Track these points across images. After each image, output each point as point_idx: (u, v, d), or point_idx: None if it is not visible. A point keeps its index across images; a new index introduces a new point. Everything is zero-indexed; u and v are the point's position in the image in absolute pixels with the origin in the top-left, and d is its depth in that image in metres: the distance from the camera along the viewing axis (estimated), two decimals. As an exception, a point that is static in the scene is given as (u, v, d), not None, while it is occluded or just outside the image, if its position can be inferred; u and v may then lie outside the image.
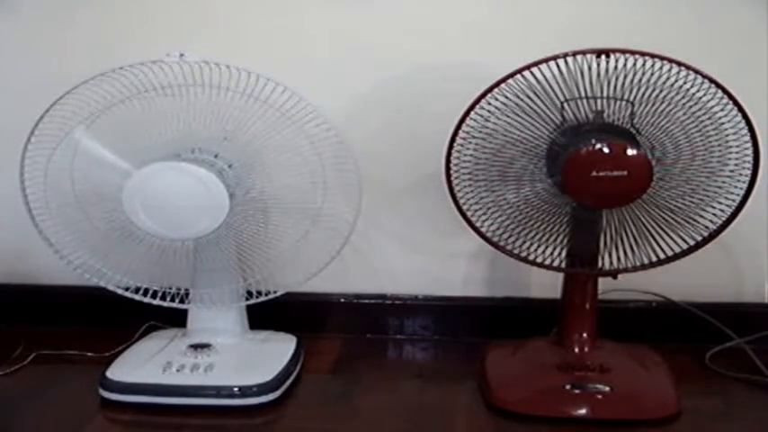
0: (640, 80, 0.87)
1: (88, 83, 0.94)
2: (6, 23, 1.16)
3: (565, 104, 0.89)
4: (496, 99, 0.89)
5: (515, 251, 0.97)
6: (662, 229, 0.94)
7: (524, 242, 0.96)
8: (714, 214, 0.93)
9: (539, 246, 0.96)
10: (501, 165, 0.93)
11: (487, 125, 0.91)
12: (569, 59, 0.86)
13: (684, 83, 0.87)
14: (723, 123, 0.89)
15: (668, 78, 0.86)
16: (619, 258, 0.96)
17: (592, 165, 0.86)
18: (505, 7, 1.10)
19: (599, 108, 0.90)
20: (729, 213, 0.92)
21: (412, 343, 1.21)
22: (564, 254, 0.97)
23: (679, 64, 0.85)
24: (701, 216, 0.93)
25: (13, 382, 1.06)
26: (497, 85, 0.88)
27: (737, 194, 0.91)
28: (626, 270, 0.97)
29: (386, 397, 1.02)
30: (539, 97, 0.88)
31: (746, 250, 1.15)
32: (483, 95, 0.89)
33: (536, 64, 0.86)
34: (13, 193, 0.99)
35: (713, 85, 0.86)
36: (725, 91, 0.86)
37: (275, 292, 1.04)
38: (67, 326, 1.21)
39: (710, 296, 1.16)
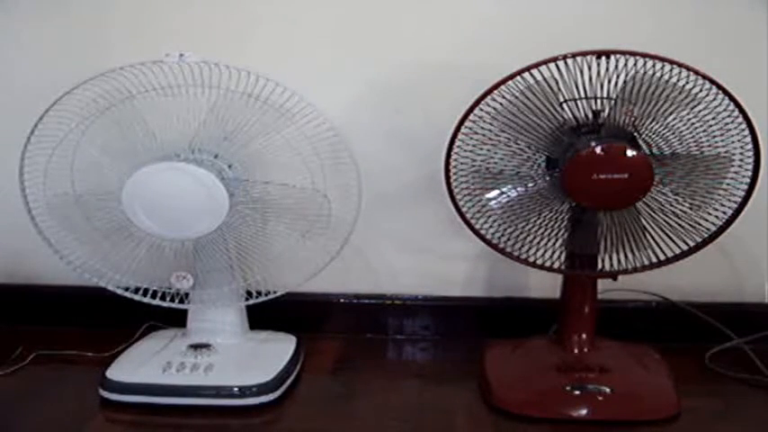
0: (641, 81, 0.86)
1: (88, 83, 0.94)
2: (5, 24, 1.15)
3: (565, 105, 0.89)
4: (496, 100, 0.89)
5: (515, 253, 0.97)
6: (662, 230, 0.94)
7: (523, 244, 0.96)
8: (716, 216, 0.93)
9: (538, 248, 0.96)
10: (501, 165, 0.93)
11: (487, 126, 0.91)
12: (569, 60, 0.86)
13: (686, 83, 0.86)
14: (726, 124, 0.88)
15: (669, 79, 0.86)
16: (619, 260, 0.96)
17: (592, 167, 0.87)
18: (506, 8, 1.10)
19: (599, 108, 0.90)
20: (730, 215, 0.92)
21: (412, 343, 1.21)
22: (564, 255, 0.97)
23: (679, 65, 0.85)
24: (702, 217, 0.93)
25: (13, 382, 1.06)
26: (498, 86, 0.88)
27: (739, 196, 0.91)
28: (626, 272, 0.97)
29: (386, 397, 1.02)
30: (539, 98, 0.88)
31: (746, 251, 1.15)
32: (483, 96, 0.88)
33: (536, 65, 0.86)
34: (12, 193, 0.99)
35: (714, 86, 0.86)
36: (725, 92, 0.86)
37: (275, 292, 1.04)
38: (67, 326, 1.21)
39: (710, 296, 1.16)
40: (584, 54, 0.85)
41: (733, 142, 0.89)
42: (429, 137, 1.09)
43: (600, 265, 0.97)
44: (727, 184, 0.91)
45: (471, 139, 0.92)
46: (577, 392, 0.95)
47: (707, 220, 0.93)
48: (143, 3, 1.13)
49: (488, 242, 0.97)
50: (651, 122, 0.89)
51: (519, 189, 0.93)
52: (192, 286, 1.02)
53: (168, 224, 0.96)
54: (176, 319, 1.08)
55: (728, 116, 0.88)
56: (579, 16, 1.08)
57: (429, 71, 1.11)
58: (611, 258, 0.96)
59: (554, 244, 0.96)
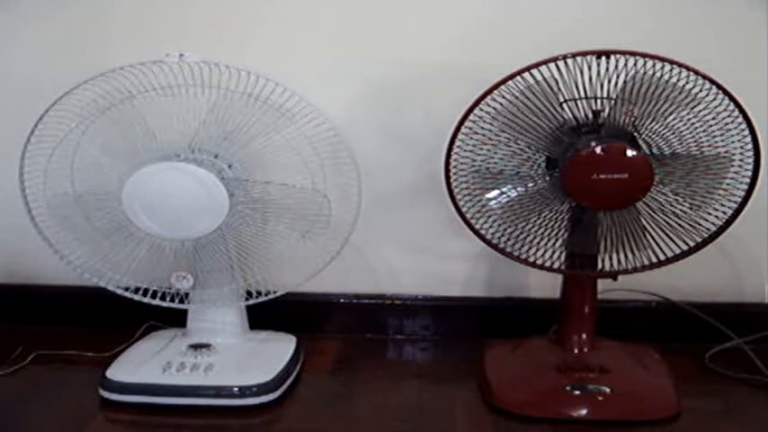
0: (641, 81, 0.86)
1: (88, 83, 0.94)
2: (6, 23, 1.15)
3: (565, 105, 0.89)
4: (496, 100, 0.89)
5: (515, 253, 0.97)
6: (662, 230, 0.94)
7: (523, 244, 0.96)
8: (716, 216, 0.93)
9: (538, 248, 0.96)
10: (501, 165, 0.93)
11: (487, 126, 0.91)
12: (569, 60, 0.86)
13: (686, 83, 0.86)
14: (726, 124, 0.88)
15: (669, 79, 0.86)
16: (619, 260, 0.96)
17: (592, 167, 0.87)
18: (506, 8, 1.10)
19: (599, 108, 0.90)
20: (730, 215, 0.92)
21: (412, 343, 1.21)
22: (564, 255, 0.97)
23: (679, 65, 0.85)
24: (702, 217, 0.93)
25: (13, 382, 1.06)
26: (498, 86, 0.88)
27: (739, 196, 0.91)
28: (626, 272, 0.97)
29: (386, 397, 1.02)
30: (539, 98, 0.88)
31: (746, 251, 1.15)
32: (483, 96, 0.88)
33: (536, 65, 0.86)
34: (12, 193, 0.99)
35: (714, 86, 0.86)
36: (725, 92, 0.86)
37: (275, 292, 1.04)
38: (67, 326, 1.21)
39: (710, 296, 1.16)
40: (584, 54, 0.85)
41: (733, 142, 0.89)
42: (429, 137, 1.09)
43: (600, 265, 0.97)
44: (727, 184, 0.91)
45: (471, 139, 0.92)
46: (577, 392, 0.95)
47: (707, 220, 0.93)
48: (143, 3, 1.13)
49: (488, 242, 0.97)
50: (651, 122, 0.89)
51: (519, 189, 0.93)
52: (192, 286, 1.02)
53: (168, 224, 0.96)
54: (176, 319, 1.08)
55: (728, 116, 0.88)
56: (579, 16, 1.08)
57: (429, 71, 1.11)
58: (611, 258, 0.96)
59: (554, 244, 0.96)
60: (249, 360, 1.03)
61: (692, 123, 0.89)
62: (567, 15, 1.08)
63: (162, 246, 1.00)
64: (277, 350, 1.07)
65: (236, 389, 0.98)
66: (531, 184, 0.93)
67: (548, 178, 0.92)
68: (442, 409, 0.99)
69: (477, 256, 1.19)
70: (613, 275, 0.97)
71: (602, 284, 1.02)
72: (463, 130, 0.91)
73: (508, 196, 0.93)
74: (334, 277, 1.09)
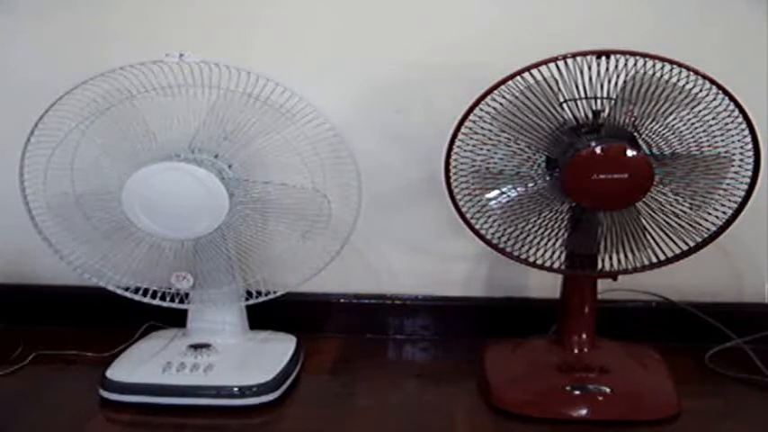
0: (641, 81, 0.86)
1: (88, 83, 0.94)
2: (6, 24, 1.15)
3: (565, 105, 0.89)
4: (496, 100, 0.89)
5: (515, 253, 0.97)
6: (662, 230, 0.94)
7: (523, 244, 0.96)
8: (716, 216, 0.93)
9: (538, 248, 0.96)
10: (501, 165, 0.93)
11: (487, 126, 0.91)
12: (569, 60, 0.86)
13: (686, 83, 0.86)
14: (726, 124, 0.88)
15: (669, 79, 0.86)
16: (619, 260, 0.96)
17: (592, 167, 0.86)
18: (506, 8, 1.10)
19: (599, 108, 0.90)
20: (730, 215, 0.92)
21: (412, 343, 1.21)
22: (564, 255, 0.97)
23: (679, 65, 0.85)
24: (702, 217, 0.93)
25: (13, 382, 1.07)
26: (497, 86, 0.88)
27: (739, 196, 0.91)
28: (626, 272, 0.97)
29: (385, 397, 1.02)
30: (539, 98, 0.88)
31: (746, 251, 1.15)
32: (483, 96, 0.88)
33: (536, 65, 0.86)
34: (12, 193, 0.99)
35: (714, 86, 0.86)
36: (725, 92, 0.86)
37: (275, 292, 1.04)
38: (67, 326, 1.21)
39: (710, 296, 1.16)
40: (584, 54, 0.85)
41: (733, 142, 0.89)
42: (429, 137, 1.09)
43: (600, 265, 0.97)
44: (727, 184, 0.91)
45: (471, 139, 0.92)
46: (577, 392, 0.95)
47: (707, 220, 0.93)
48: (143, 3, 1.13)
49: (488, 242, 0.97)
50: (651, 122, 0.89)
51: (519, 189, 0.93)
52: (191, 286, 1.02)
53: (168, 224, 0.96)
54: (176, 319, 1.08)
55: (728, 116, 0.88)
56: (579, 16, 1.08)
57: (429, 71, 1.11)
58: (611, 258, 0.96)
59: (554, 244, 0.96)
60: (249, 360, 1.03)
61: (692, 123, 0.89)
62: (567, 15, 1.08)
63: (162, 246, 1.00)
64: (277, 350, 1.07)
65: (236, 389, 0.98)
66: (531, 184, 0.93)
67: (548, 178, 0.92)
68: (442, 409, 0.99)
69: (478, 256, 1.19)
70: (613, 275, 0.97)
71: (602, 284, 1.02)
72: (463, 130, 0.91)
73: (508, 196, 0.93)
74: (334, 277, 1.09)
